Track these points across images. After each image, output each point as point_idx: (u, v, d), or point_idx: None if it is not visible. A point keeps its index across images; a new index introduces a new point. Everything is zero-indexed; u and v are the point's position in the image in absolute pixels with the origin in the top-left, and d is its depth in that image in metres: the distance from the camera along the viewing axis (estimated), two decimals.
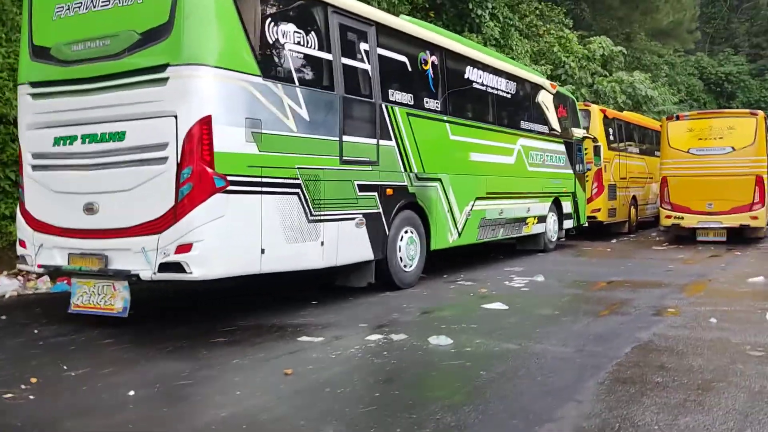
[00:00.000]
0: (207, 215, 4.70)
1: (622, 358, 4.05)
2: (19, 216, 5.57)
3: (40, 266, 5.42)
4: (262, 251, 5.07)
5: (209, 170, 4.71)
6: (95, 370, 4.02)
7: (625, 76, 19.67)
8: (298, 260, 5.52)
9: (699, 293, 6.70)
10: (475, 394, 3.41)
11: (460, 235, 7.92)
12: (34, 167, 5.46)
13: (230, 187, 4.81)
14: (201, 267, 4.69)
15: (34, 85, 5.42)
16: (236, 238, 4.90)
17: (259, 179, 5.08)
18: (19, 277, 7.25)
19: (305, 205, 5.50)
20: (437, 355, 4.18)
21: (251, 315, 5.59)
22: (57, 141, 5.28)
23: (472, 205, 8.18)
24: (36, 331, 5.13)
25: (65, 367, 4.05)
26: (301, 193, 5.46)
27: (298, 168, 5.45)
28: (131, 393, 3.52)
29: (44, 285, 7.23)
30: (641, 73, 21.10)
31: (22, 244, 5.52)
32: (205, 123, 4.71)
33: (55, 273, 5.85)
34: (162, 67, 4.76)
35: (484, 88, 8.73)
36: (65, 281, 6.76)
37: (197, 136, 4.70)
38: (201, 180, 4.69)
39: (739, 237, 11.88)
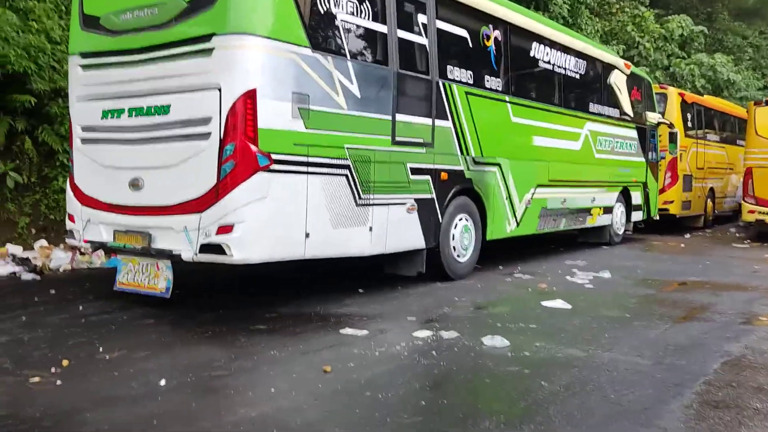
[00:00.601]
0: (249, 195, 4.45)
1: (711, 376, 3.51)
2: (68, 190, 5.50)
3: (86, 241, 5.37)
4: (307, 235, 4.80)
5: (253, 147, 4.45)
6: (130, 353, 3.86)
7: (705, 58, 18.37)
8: (344, 246, 5.21)
9: None
10: (536, 410, 3.00)
11: (518, 224, 7.44)
12: (84, 140, 5.37)
13: (274, 167, 4.54)
14: (241, 250, 4.46)
15: (84, 55, 5.31)
16: (279, 221, 4.64)
17: (305, 159, 4.79)
18: (75, 251, 7.28)
19: (353, 188, 5.18)
20: (492, 359, 3.78)
21: (294, 301, 5.34)
22: (105, 114, 5.16)
23: (533, 193, 7.66)
24: (81, 308, 5.05)
25: (101, 349, 3.90)
26: (349, 174, 5.14)
27: (347, 148, 5.12)
28: (162, 382, 3.31)
29: (99, 259, 7.22)
30: (723, 55, 19.69)
31: (71, 218, 5.46)
32: (250, 97, 4.44)
33: (102, 249, 5.77)
34: (207, 37, 4.53)
35: (551, 66, 8.14)
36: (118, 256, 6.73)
37: (241, 110, 4.44)
38: (244, 158, 4.43)
39: None
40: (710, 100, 14.91)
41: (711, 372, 3.60)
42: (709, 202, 13.63)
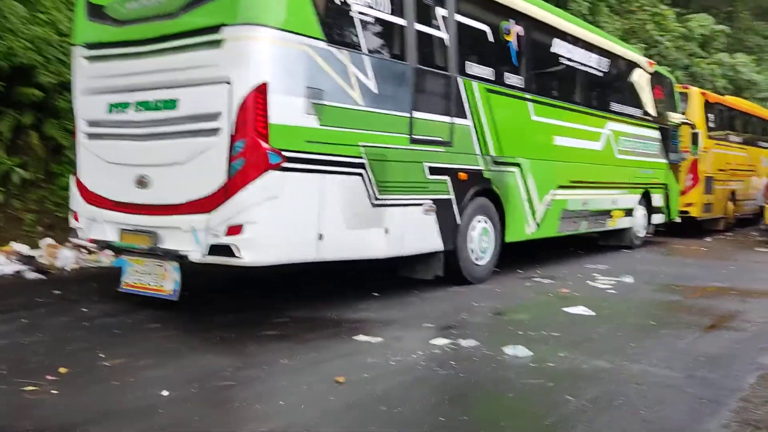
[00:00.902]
0: (260, 195, 4.25)
1: (747, 392, 3.26)
2: (72, 187, 5.34)
3: (91, 241, 5.22)
4: (320, 237, 4.59)
5: (263, 144, 4.25)
6: (133, 360, 3.66)
7: (726, 58, 17.96)
8: (359, 248, 5.00)
9: None
10: (562, 428, 2.78)
11: (538, 226, 7.18)
12: (89, 135, 5.20)
13: (286, 165, 4.34)
14: (251, 252, 4.26)
15: (89, 46, 5.14)
16: (291, 222, 4.43)
17: (318, 157, 4.58)
18: (82, 250, 7.12)
19: (369, 188, 4.96)
20: (513, 370, 3.55)
21: (307, 305, 5.13)
22: (111, 108, 4.98)
23: (553, 195, 7.40)
24: (84, 310, 4.88)
25: (102, 355, 3.71)
26: (365, 174, 4.92)
27: (363, 146, 4.91)
28: (164, 393, 3.11)
29: (107, 258, 7.05)
30: (744, 55, 19.26)
31: (75, 216, 5.30)
32: (261, 91, 4.24)
33: (107, 248, 5.60)
34: (216, 28, 4.33)
35: (572, 64, 7.88)
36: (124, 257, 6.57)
37: (251, 105, 4.24)
38: (254, 155, 4.24)
39: None
40: (733, 101, 14.54)
41: (746, 387, 3.34)
42: (730, 205, 13.26)
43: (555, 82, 7.78)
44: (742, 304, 5.59)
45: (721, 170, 12.59)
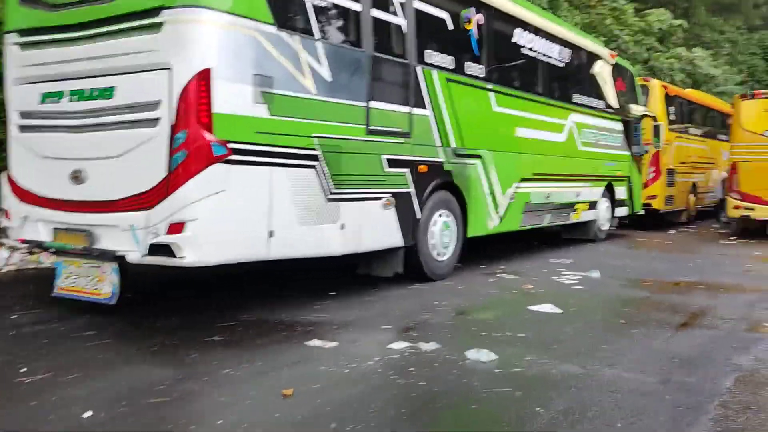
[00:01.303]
0: (203, 189, 3.94)
1: (726, 396, 3.06)
2: (4, 183, 4.91)
3: (22, 241, 4.83)
4: (271, 234, 4.29)
5: (207, 135, 3.93)
6: (58, 375, 3.29)
7: (684, 52, 18.16)
8: (313, 245, 4.70)
9: None
10: None
11: (501, 220, 6.99)
12: (21, 128, 4.80)
13: (233, 157, 4.04)
14: (195, 251, 3.94)
15: (21, 33, 4.74)
16: (239, 218, 4.13)
17: (269, 148, 4.28)
18: (20, 250, 6.65)
19: (323, 182, 4.67)
20: (478, 377, 3.30)
21: (258, 307, 4.81)
22: (44, 98, 4.59)
23: (516, 188, 7.22)
24: (13, 317, 4.48)
25: (24, 370, 3.34)
26: (318, 166, 4.63)
27: (317, 137, 4.61)
28: (87, 414, 2.76)
29: (48, 259, 6.59)
30: (702, 50, 19.53)
31: (7, 214, 4.88)
32: (204, 78, 3.92)
33: (40, 248, 5.19)
34: (156, 11, 4.00)
35: (535, 54, 7.70)
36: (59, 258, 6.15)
37: (193, 93, 3.92)
38: (197, 147, 3.92)
39: None
40: (693, 94, 14.66)
41: (725, 391, 3.15)
42: (692, 197, 13.36)
43: (517, 73, 7.59)
44: (711, 300, 5.47)
45: (682, 163, 12.64)
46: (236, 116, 4.09)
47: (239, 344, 3.89)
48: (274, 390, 3.06)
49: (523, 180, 7.35)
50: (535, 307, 4.89)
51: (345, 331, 4.18)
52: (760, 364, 3.61)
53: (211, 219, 3.98)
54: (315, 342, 3.88)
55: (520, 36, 7.38)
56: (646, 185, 11.32)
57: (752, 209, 10.54)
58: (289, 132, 4.42)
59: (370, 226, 5.14)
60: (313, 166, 4.60)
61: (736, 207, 10.77)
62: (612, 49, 16.27)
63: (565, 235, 9.47)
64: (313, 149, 4.59)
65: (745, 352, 3.85)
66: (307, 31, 4.57)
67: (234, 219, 4.09)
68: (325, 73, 4.69)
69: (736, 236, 10.87)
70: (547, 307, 4.86)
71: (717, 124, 14.95)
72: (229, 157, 4.01)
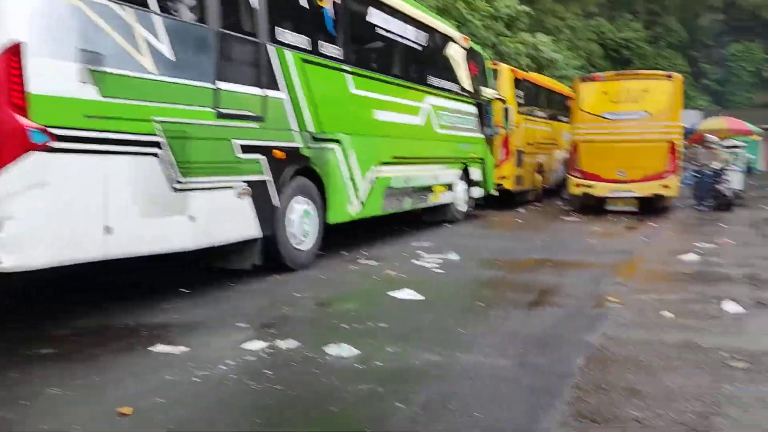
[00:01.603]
0: (20, 182, 3.42)
1: (578, 377, 3.15)
2: None
3: None
4: (107, 230, 3.85)
5: (21, 120, 3.41)
6: None
7: (529, 37, 19.24)
8: (158, 240, 4.30)
9: (634, 276, 6.07)
10: None
11: (363, 205, 6.92)
12: None
13: (56, 144, 3.54)
14: (13, 254, 3.43)
15: None
16: (66, 215, 3.65)
17: (101, 135, 3.82)
18: None
19: (168, 170, 4.26)
20: (338, 375, 3.16)
21: (99, 310, 4.33)
22: None
23: (377, 171, 7.18)
24: None
25: None
26: (162, 154, 4.22)
27: (158, 121, 4.19)
28: None
29: None
30: (544, 35, 20.81)
31: None
32: (14, 53, 3.39)
33: None
34: None
35: (391, 35, 7.66)
36: None
37: (3, 71, 3.38)
38: (9, 133, 3.39)
39: (649, 206, 11.49)
40: (538, 78, 15.54)
41: (576, 371, 3.26)
42: (538, 177, 14.22)
43: (374, 54, 7.52)
44: (559, 277, 5.76)
45: (529, 144, 13.38)
46: (58, 98, 3.59)
47: (73, 356, 3.44)
48: (109, 410, 2.70)
49: (383, 164, 7.32)
50: (396, 294, 4.85)
51: (196, 333, 3.87)
52: (608, 341, 3.78)
53: (31, 217, 3.47)
54: (161, 347, 3.54)
55: (376, 16, 7.29)
56: (497, 166, 11.83)
57: (592, 186, 11.41)
58: (125, 116, 3.97)
59: (223, 218, 4.82)
60: (155, 154, 4.18)
61: (578, 185, 11.60)
62: (463, 34, 16.88)
63: (425, 218, 9.64)
64: (155, 135, 4.16)
65: (593, 329, 4.03)
66: (142, 3, 4.11)
67: (60, 216, 3.61)
68: (166, 50, 4.26)
69: (578, 212, 11.72)
70: (408, 294, 4.84)
71: (559, 107, 16.00)
72: (52, 145, 3.50)
